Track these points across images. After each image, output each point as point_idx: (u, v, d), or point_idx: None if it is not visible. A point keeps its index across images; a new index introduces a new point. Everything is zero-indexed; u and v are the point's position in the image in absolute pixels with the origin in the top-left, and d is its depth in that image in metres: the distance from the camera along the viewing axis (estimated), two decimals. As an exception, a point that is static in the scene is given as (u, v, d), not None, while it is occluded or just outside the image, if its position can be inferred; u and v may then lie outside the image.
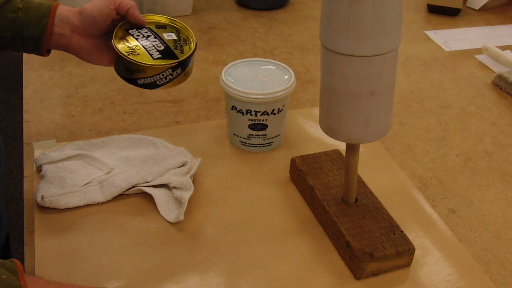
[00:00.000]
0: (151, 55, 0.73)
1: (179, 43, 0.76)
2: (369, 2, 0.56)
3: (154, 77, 0.72)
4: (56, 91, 1.03)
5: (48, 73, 1.08)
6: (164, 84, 0.74)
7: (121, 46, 0.73)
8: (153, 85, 0.74)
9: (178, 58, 0.73)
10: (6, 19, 0.71)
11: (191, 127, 0.94)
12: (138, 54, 0.73)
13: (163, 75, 0.72)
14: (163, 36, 0.76)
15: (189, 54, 0.74)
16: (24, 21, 0.72)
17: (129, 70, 0.73)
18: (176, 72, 0.73)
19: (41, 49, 0.74)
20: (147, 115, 0.98)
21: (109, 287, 0.65)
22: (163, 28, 0.77)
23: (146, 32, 0.76)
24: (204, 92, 1.05)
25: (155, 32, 0.76)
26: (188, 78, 0.77)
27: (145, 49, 0.73)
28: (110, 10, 0.74)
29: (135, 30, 0.76)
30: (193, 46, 0.75)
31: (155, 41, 0.75)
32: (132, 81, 0.74)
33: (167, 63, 0.72)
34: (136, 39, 0.75)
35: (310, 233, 0.74)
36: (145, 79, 0.73)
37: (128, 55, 0.72)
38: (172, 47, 0.75)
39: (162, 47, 0.74)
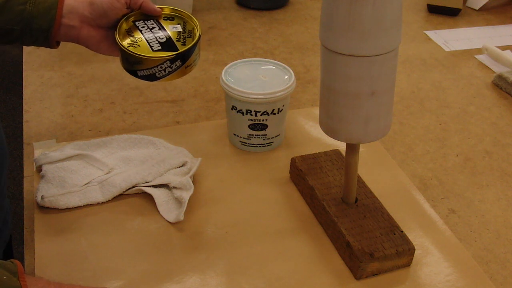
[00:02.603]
0: (151, 47, 0.73)
1: (183, 35, 0.75)
2: (369, 2, 0.56)
3: (153, 69, 0.72)
4: (56, 91, 1.03)
5: (48, 73, 1.08)
6: (163, 76, 0.73)
7: (123, 38, 0.73)
8: (153, 77, 0.73)
9: (178, 50, 0.73)
10: (14, 12, 0.71)
11: (191, 127, 0.94)
12: (138, 46, 0.73)
13: (161, 67, 0.72)
14: (168, 28, 0.75)
15: (189, 46, 0.73)
16: (32, 13, 0.72)
17: (129, 62, 0.73)
18: (176, 65, 0.73)
19: (51, 41, 0.74)
20: (147, 115, 0.98)
21: (109, 287, 0.65)
22: (170, 20, 0.77)
23: (152, 24, 0.76)
24: (204, 92, 1.05)
25: (160, 24, 0.76)
26: (191, 71, 0.76)
27: (147, 41, 0.73)
28: (121, 4, 0.74)
29: (141, 21, 0.76)
30: (196, 38, 0.74)
31: (158, 32, 0.74)
32: (133, 72, 0.74)
33: (165, 55, 0.72)
34: (140, 31, 0.74)
35: (310, 233, 0.74)
36: (144, 70, 0.73)
37: (129, 47, 0.72)
38: (174, 39, 0.74)
39: (164, 39, 0.74)
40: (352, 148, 0.69)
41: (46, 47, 0.75)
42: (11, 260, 0.55)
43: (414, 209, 0.79)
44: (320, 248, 0.72)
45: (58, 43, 0.76)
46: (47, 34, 0.73)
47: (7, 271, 0.53)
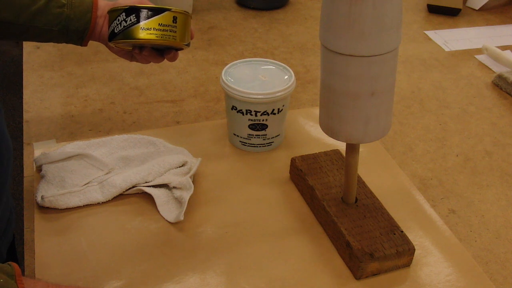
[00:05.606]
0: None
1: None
2: (369, 2, 0.56)
3: (113, 23, 0.73)
4: (56, 91, 1.03)
5: (48, 73, 1.08)
6: (120, 32, 0.72)
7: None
8: (111, 35, 0.73)
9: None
10: (53, 14, 0.77)
11: (191, 127, 0.94)
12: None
13: (118, 20, 0.72)
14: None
15: (148, 5, 0.72)
16: (70, 15, 0.77)
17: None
18: (130, 20, 0.71)
19: (84, 41, 0.80)
20: (147, 115, 0.98)
21: (109, 287, 0.65)
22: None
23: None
24: (204, 92, 1.05)
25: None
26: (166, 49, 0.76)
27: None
28: None
29: None
30: (166, 8, 0.73)
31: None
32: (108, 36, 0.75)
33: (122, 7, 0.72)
34: None
35: (310, 233, 0.74)
36: (109, 28, 0.74)
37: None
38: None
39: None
40: (352, 148, 0.69)
41: (77, 45, 0.81)
42: (9, 262, 0.55)
43: (414, 209, 0.79)
44: (320, 248, 0.72)
45: (87, 42, 0.82)
46: (82, 35, 0.79)
47: (4, 273, 0.53)
